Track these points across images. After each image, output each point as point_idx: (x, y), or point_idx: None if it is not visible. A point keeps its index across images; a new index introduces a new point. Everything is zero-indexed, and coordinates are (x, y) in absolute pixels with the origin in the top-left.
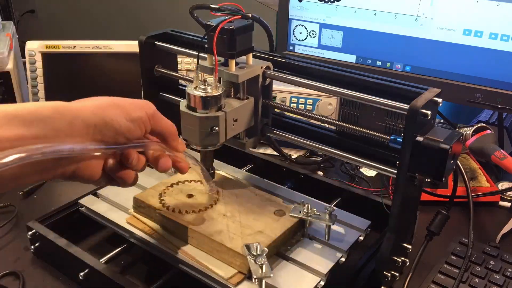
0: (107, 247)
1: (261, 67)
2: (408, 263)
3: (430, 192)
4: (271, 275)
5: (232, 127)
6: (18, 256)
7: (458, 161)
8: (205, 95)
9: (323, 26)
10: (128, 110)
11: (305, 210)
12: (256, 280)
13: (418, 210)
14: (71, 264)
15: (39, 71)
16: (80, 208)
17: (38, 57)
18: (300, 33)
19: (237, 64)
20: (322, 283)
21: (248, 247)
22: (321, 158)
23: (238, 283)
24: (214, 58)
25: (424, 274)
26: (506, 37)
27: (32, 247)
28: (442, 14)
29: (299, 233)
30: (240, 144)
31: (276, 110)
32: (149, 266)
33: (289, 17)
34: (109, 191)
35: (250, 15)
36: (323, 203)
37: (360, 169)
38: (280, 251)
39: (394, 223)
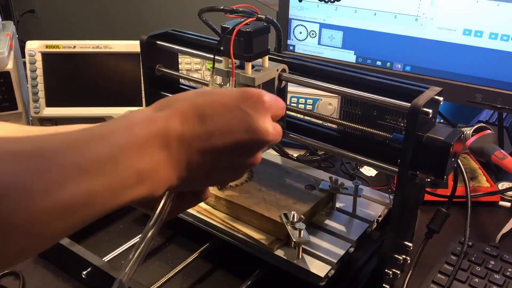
0: (109, 246)
1: (277, 70)
2: (409, 261)
3: (430, 192)
4: (309, 238)
5: None
6: None
7: (458, 160)
8: None
9: (323, 26)
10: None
11: (334, 184)
12: (295, 244)
13: (418, 209)
14: (74, 263)
15: (39, 71)
16: None
17: (38, 57)
18: (300, 33)
19: (253, 67)
20: (352, 249)
21: (286, 215)
22: (322, 154)
23: (278, 248)
24: (230, 61)
25: (424, 273)
26: (506, 37)
27: None
28: (442, 14)
29: (328, 206)
30: None
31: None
32: (189, 238)
33: (289, 17)
34: None
35: (264, 16)
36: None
37: (360, 169)
38: (311, 221)
39: (396, 221)
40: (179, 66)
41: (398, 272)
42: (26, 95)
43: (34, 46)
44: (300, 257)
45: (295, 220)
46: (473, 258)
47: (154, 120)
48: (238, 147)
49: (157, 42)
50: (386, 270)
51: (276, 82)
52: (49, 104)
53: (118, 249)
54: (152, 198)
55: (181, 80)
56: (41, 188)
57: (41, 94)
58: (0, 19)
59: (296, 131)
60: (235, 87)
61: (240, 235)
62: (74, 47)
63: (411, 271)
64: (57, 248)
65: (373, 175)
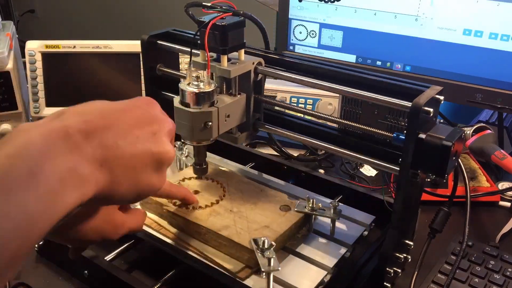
0: (112, 244)
1: (253, 63)
2: (410, 260)
3: (430, 192)
4: (279, 268)
5: (224, 123)
6: None
7: (459, 160)
8: (198, 91)
9: (323, 26)
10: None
11: (310, 205)
12: (264, 273)
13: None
14: (75, 262)
15: (39, 71)
16: None
17: (38, 57)
18: (300, 33)
19: (229, 60)
20: (328, 276)
21: (255, 241)
22: (322, 154)
23: (246, 277)
24: (206, 54)
25: (424, 273)
26: (506, 37)
27: (36, 245)
28: (442, 14)
29: (304, 228)
30: (232, 138)
31: (277, 108)
32: (157, 262)
33: (289, 17)
34: None
35: (241, 12)
36: (327, 199)
37: (360, 169)
38: (286, 245)
39: (397, 219)
40: (180, 66)
41: (399, 270)
42: (26, 95)
43: (34, 46)
44: (271, 287)
45: (266, 246)
46: (473, 258)
47: (49, 123)
48: (140, 124)
49: (158, 41)
50: (387, 269)
51: (252, 75)
52: (49, 104)
53: (119, 248)
54: (84, 203)
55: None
56: None
57: (41, 94)
58: (0, 19)
59: (296, 131)
60: (212, 79)
61: (208, 262)
62: (74, 47)
63: (416, 272)
64: (58, 247)
65: (373, 175)
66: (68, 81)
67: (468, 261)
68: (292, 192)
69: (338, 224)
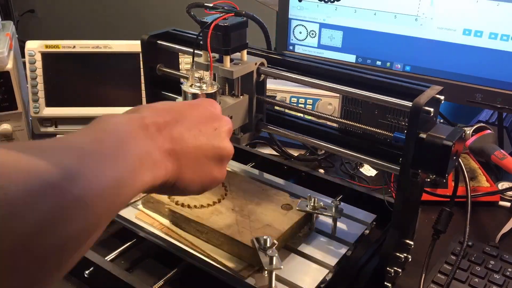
0: (110, 246)
1: (255, 64)
2: (410, 259)
3: (430, 191)
4: (281, 266)
5: None
6: None
7: (459, 160)
8: (200, 93)
9: (323, 26)
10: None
11: (312, 204)
12: (267, 272)
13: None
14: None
15: (39, 71)
16: None
17: (38, 57)
18: (300, 33)
19: (231, 60)
20: (330, 275)
21: (258, 240)
22: (322, 154)
23: (249, 275)
24: (209, 54)
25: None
26: (506, 37)
27: None
28: (442, 14)
29: (306, 227)
30: (235, 139)
31: (277, 108)
32: (158, 261)
33: (289, 17)
34: None
35: (243, 12)
36: (328, 197)
37: (360, 169)
38: (288, 244)
39: (397, 219)
40: (180, 66)
41: (400, 270)
42: (26, 95)
43: (34, 46)
44: (273, 286)
45: (268, 245)
46: (473, 258)
47: (128, 115)
48: (205, 119)
49: (158, 41)
50: (387, 268)
51: (255, 75)
52: (49, 104)
53: (120, 249)
54: (156, 187)
55: (182, 80)
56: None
57: (41, 94)
58: (0, 19)
59: (297, 130)
60: (214, 80)
61: (210, 261)
62: (74, 47)
63: (424, 274)
64: None
65: (373, 175)
66: (68, 81)
67: (468, 261)
68: (293, 191)
69: (339, 223)
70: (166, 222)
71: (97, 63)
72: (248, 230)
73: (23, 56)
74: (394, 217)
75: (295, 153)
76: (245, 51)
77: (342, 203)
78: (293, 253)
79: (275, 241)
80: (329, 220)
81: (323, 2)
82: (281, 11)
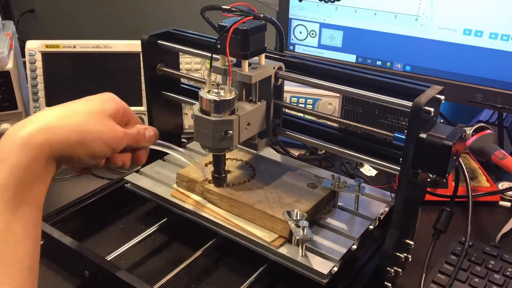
0: (110, 246)
1: (274, 68)
2: (410, 259)
3: (430, 191)
4: (312, 236)
5: (245, 131)
6: None
7: (460, 159)
8: (218, 99)
9: (323, 25)
10: (93, 148)
11: (336, 183)
12: (298, 241)
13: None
14: (76, 262)
15: (39, 71)
16: (125, 185)
17: (38, 57)
18: (300, 32)
19: (249, 65)
20: (355, 246)
21: (289, 213)
22: (322, 154)
23: (281, 245)
24: (227, 59)
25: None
26: (506, 37)
27: None
28: (442, 13)
29: (330, 204)
30: (252, 145)
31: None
32: (192, 236)
33: (289, 16)
34: (151, 169)
35: (262, 15)
36: (349, 178)
37: (360, 169)
38: (314, 219)
39: (398, 219)
40: (180, 65)
41: (400, 270)
42: (26, 95)
43: (34, 46)
44: (303, 254)
45: (298, 218)
46: (473, 258)
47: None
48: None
49: (158, 41)
50: (387, 268)
51: (273, 80)
52: (49, 103)
53: (120, 249)
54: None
55: (182, 80)
56: None
57: (41, 93)
58: (0, 19)
59: (297, 130)
60: (231, 85)
61: (243, 233)
62: (74, 46)
63: (424, 274)
64: (59, 247)
65: (373, 175)
66: (68, 81)
67: (468, 261)
68: (317, 173)
69: (361, 200)
70: (200, 199)
71: (97, 63)
72: (278, 205)
73: (23, 56)
74: (394, 216)
75: (295, 153)
76: (263, 55)
77: (363, 183)
78: (319, 227)
79: (305, 214)
80: (351, 200)
81: (323, 2)
82: (281, 11)
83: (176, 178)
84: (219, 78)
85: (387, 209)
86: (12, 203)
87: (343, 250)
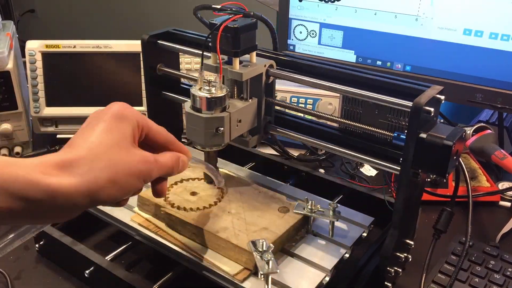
0: (110, 246)
1: (265, 65)
2: (410, 259)
3: (430, 192)
4: (278, 270)
5: (236, 128)
6: (20, 256)
7: (460, 159)
8: (209, 96)
9: (323, 25)
10: (123, 186)
11: (309, 207)
12: (263, 276)
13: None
14: (76, 262)
15: (39, 71)
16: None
17: (38, 57)
18: (300, 32)
19: (240, 62)
20: (327, 278)
21: (254, 243)
22: (322, 154)
23: (244, 279)
24: (218, 56)
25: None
26: (506, 37)
27: (37, 245)
28: (442, 13)
29: (303, 230)
30: (243, 142)
31: (277, 108)
32: (154, 264)
33: (289, 16)
34: None
35: (252, 13)
36: (326, 200)
37: (360, 169)
38: (284, 247)
39: (398, 219)
40: (180, 65)
41: (400, 270)
42: (26, 95)
43: (34, 46)
44: None
45: (264, 249)
46: (473, 258)
47: None
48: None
49: (158, 41)
50: (388, 268)
51: (264, 77)
52: (49, 103)
53: (120, 249)
54: None
55: (182, 80)
56: None
57: (41, 93)
58: (0, 19)
59: (297, 130)
60: (223, 82)
61: (206, 264)
62: (74, 46)
63: (424, 274)
64: (59, 247)
65: (373, 175)
66: (68, 81)
67: (468, 261)
68: (291, 194)
69: (337, 225)
70: (161, 224)
71: (97, 63)
72: (245, 233)
73: (23, 56)
74: (394, 217)
75: (295, 153)
76: (254, 53)
77: (340, 206)
78: (289, 256)
79: (271, 245)
80: (327, 223)
81: (323, 2)
82: (281, 11)
83: (138, 200)
84: (212, 76)
85: (365, 234)
86: None
87: (312, 286)
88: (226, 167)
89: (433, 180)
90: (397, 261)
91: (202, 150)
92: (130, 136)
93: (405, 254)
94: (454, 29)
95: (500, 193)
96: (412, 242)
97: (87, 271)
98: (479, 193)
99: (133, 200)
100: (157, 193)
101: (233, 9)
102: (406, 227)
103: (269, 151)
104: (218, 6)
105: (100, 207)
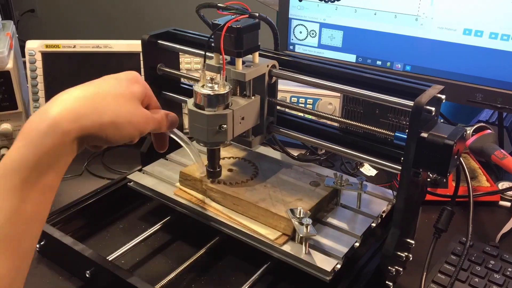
0: (110, 246)
1: (267, 66)
2: (411, 258)
3: (430, 191)
4: (316, 233)
5: (239, 125)
6: None
7: (461, 159)
8: (212, 93)
9: (323, 25)
10: (122, 132)
11: (339, 181)
12: (302, 239)
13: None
14: (77, 262)
15: (39, 71)
16: (128, 184)
17: (38, 57)
18: (300, 32)
19: (243, 62)
20: (357, 244)
21: (292, 211)
22: (322, 154)
23: (284, 243)
24: (221, 56)
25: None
26: (506, 36)
27: (38, 245)
28: (442, 13)
29: (333, 202)
30: (246, 142)
31: (278, 107)
32: (196, 235)
33: (289, 16)
34: (153, 168)
35: (257, 14)
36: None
37: (360, 169)
38: (317, 216)
39: (399, 218)
40: (180, 65)
41: (401, 269)
42: (26, 95)
43: (34, 46)
44: (307, 252)
45: (302, 215)
46: (473, 258)
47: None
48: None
49: (158, 41)
50: (389, 267)
51: (267, 78)
52: None
53: (121, 249)
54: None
55: (182, 80)
56: None
57: (41, 93)
58: (0, 19)
59: (297, 130)
60: (226, 81)
61: (246, 231)
62: (74, 46)
63: (425, 273)
64: (60, 247)
65: (373, 174)
66: (68, 81)
67: (468, 261)
68: (319, 171)
69: (363, 198)
70: (203, 198)
71: (97, 63)
72: (281, 203)
73: (23, 55)
74: (395, 215)
75: (295, 153)
76: (257, 53)
77: (365, 181)
78: (322, 224)
79: (308, 211)
80: (354, 196)
81: (323, 1)
82: (281, 11)
83: (179, 176)
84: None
85: (389, 207)
86: (28, 182)
87: (346, 248)
88: (258, 149)
89: (433, 179)
90: (398, 260)
91: (204, 147)
92: (137, 94)
93: (406, 253)
94: (454, 29)
95: (500, 193)
96: (412, 241)
97: (88, 271)
98: (479, 193)
99: (174, 177)
100: (158, 146)
101: (238, 9)
102: (407, 226)
103: (269, 151)
104: (223, 5)
105: (145, 183)
